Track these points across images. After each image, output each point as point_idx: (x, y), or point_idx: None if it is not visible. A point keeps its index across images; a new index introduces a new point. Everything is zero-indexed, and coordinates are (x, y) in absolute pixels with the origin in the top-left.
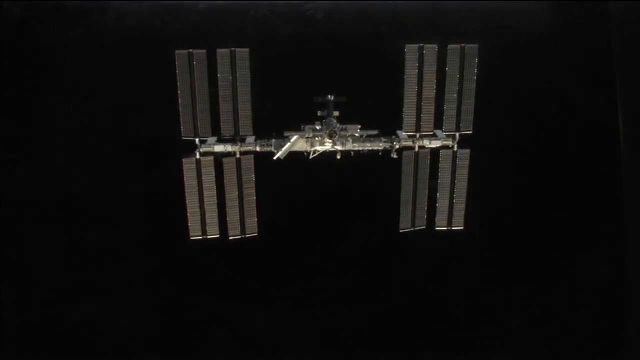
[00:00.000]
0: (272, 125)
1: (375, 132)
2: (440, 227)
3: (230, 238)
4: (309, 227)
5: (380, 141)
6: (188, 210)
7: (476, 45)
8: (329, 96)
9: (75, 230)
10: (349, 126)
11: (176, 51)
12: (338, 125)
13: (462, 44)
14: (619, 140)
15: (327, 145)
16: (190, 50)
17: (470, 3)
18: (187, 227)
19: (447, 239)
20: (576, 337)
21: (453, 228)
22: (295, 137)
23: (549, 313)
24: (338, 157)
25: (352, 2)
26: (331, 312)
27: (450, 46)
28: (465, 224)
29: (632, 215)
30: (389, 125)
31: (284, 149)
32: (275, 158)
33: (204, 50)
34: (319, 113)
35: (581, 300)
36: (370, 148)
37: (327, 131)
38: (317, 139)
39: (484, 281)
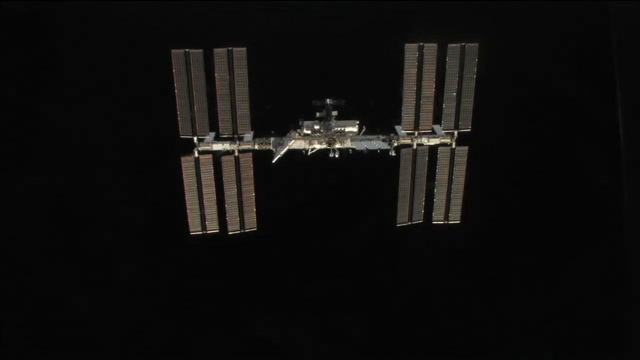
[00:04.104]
0: (271, 124)
1: (374, 136)
2: (438, 221)
3: (230, 233)
4: (308, 222)
5: (379, 139)
6: (188, 206)
7: (476, 44)
8: (328, 100)
9: (75, 229)
10: (347, 122)
11: (172, 50)
12: (336, 127)
13: (463, 43)
14: (619, 140)
15: (326, 144)
16: (187, 49)
17: (470, 3)
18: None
19: (444, 233)
20: (576, 336)
21: (450, 222)
22: (292, 141)
23: (548, 312)
24: (337, 155)
25: (352, 1)
26: (330, 308)
27: (450, 45)
28: (463, 218)
29: (632, 215)
30: (388, 123)
31: (282, 152)
32: (273, 162)
33: (201, 50)
34: (317, 114)
35: (580, 299)
36: (367, 148)
37: (327, 138)
38: (315, 138)
39: (482, 280)
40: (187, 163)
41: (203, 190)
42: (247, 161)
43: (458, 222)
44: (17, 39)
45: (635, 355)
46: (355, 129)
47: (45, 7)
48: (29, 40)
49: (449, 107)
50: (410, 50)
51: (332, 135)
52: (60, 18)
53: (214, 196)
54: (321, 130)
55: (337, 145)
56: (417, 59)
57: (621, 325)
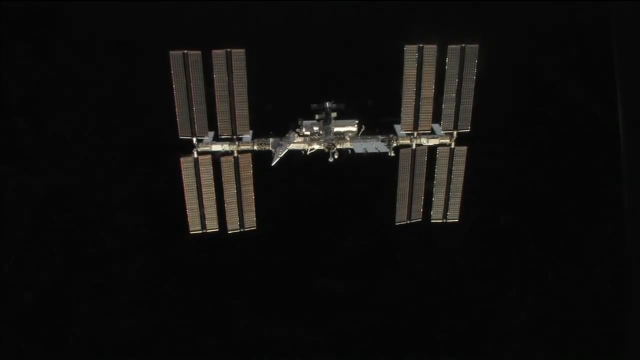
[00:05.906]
0: (270, 124)
1: (373, 136)
2: (436, 220)
3: (230, 232)
4: (307, 221)
5: (378, 139)
6: (187, 206)
7: (476, 46)
8: (327, 103)
9: (74, 229)
10: (346, 122)
11: (170, 52)
12: (335, 128)
13: (463, 44)
14: (619, 140)
15: (324, 145)
16: (185, 51)
17: (470, 3)
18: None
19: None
20: (575, 336)
21: (448, 220)
22: (290, 145)
23: (547, 311)
24: (336, 156)
25: (352, 1)
26: (329, 307)
27: (450, 46)
28: (461, 218)
29: (632, 215)
30: (387, 123)
31: (282, 154)
32: (273, 164)
33: (199, 51)
34: (317, 117)
35: (579, 298)
36: (366, 150)
37: (325, 143)
38: (314, 140)
39: (480, 279)
40: (186, 163)
41: (202, 190)
42: (246, 161)
43: (456, 220)
44: (15, 38)
45: (635, 355)
46: (354, 129)
47: (45, 7)
48: (27, 40)
49: (448, 108)
50: (410, 51)
51: (332, 139)
52: (59, 18)
53: (214, 196)
54: (320, 132)
55: (337, 145)
56: (416, 60)
57: (620, 326)
